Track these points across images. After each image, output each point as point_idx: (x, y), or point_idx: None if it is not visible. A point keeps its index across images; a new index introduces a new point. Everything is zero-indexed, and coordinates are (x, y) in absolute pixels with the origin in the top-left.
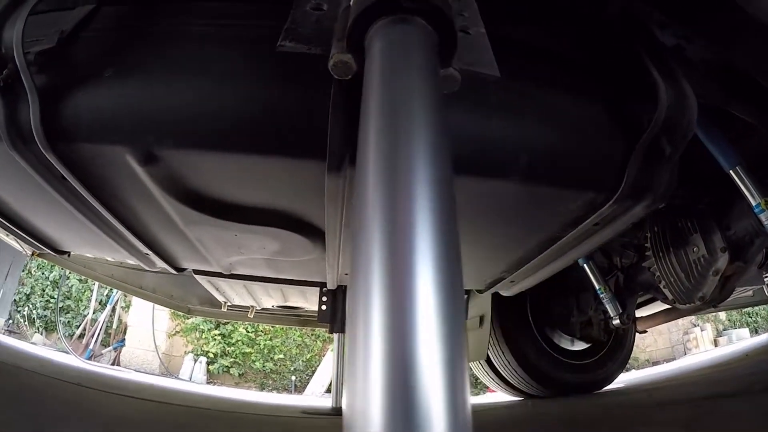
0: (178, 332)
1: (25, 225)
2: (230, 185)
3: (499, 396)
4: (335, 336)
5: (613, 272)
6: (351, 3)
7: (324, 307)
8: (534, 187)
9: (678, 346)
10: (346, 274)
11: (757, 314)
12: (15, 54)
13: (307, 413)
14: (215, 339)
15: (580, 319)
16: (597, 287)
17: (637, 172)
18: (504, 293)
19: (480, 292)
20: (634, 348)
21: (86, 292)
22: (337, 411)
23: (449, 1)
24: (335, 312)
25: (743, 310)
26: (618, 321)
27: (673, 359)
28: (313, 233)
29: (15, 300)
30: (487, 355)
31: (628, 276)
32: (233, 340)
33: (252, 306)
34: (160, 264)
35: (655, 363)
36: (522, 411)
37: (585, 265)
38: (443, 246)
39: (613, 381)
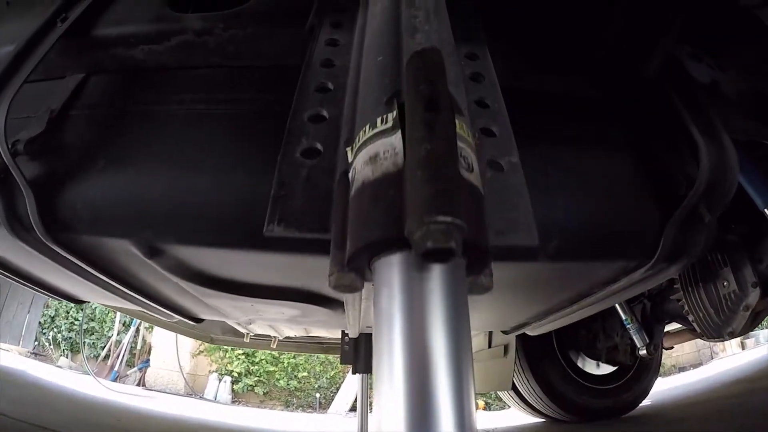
0: (202, 352)
1: (42, 283)
2: (242, 270)
3: (518, 415)
4: (358, 376)
5: (640, 300)
6: (349, 175)
7: (347, 349)
8: (562, 263)
9: (705, 351)
10: (369, 327)
11: None
12: (0, 151)
13: None
14: (239, 358)
15: (606, 345)
16: (624, 318)
17: (673, 241)
18: (529, 333)
19: (505, 333)
20: None
21: (110, 314)
22: None
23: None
24: (358, 354)
25: None
26: (644, 351)
27: (700, 364)
28: (332, 303)
29: (40, 323)
30: (512, 382)
31: (656, 304)
32: (257, 359)
33: (275, 336)
34: (178, 318)
35: (682, 369)
36: None
37: None
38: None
39: (639, 404)
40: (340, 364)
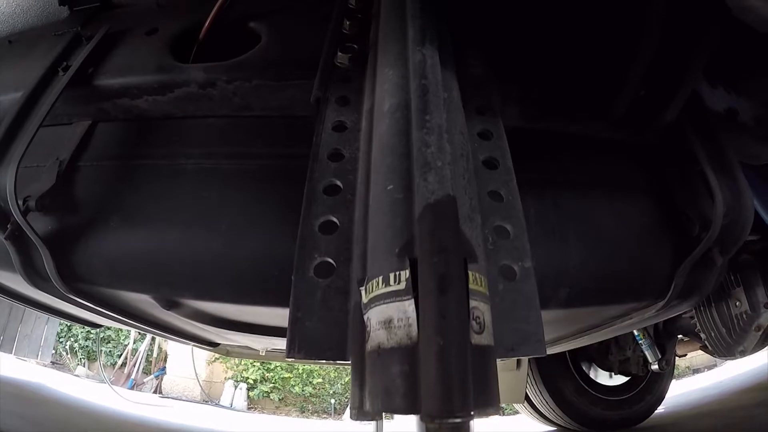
0: (218, 359)
1: (61, 311)
2: (259, 316)
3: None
4: None
5: None
6: (364, 315)
7: None
8: (574, 309)
9: None
10: None
11: None
12: (12, 210)
13: None
14: (254, 365)
15: (618, 357)
16: (636, 334)
17: (685, 282)
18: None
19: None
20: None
21: None
22: None
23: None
24: None
25: None
26: (656, 366)
27: (714, 366)
28: None
29: (57, 332)
30: (526, 393)
31: (668, 321)
32: (272, 366)
33: None
34: (193, 344)
35: (696, 370)
36: None
37: None
38: None
39: (652, 413)
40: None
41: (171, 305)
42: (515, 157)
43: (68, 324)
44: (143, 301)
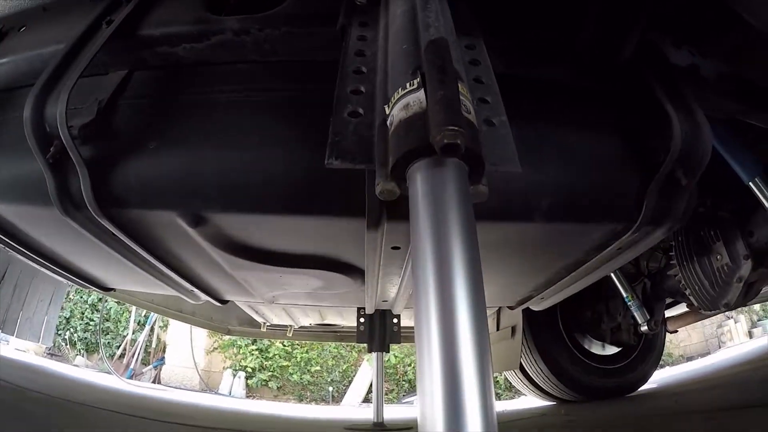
0: (216, 348)
1: (73, 268)
2: (276, 237)
3: (532, 402)
4: (374, 354)
5: (641, 279)
6: (387, 122)
7: (362, 329)
8: (557, 224)
9: (712, 340)
10: (384, 301)
11: None
12: (60, 132)
13: (351, 429)
14: (253, 354)
15: (610, 325)
16: (624, 295)
17: (656, 203)
18: (534, 308)
19: (511, 308)
20: (668, 344)
21: (125, 314)
22: (379, 426)
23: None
24: (373, 333)
25: None
26: (646, 327)
27: (708, 353)
28: (353, 271)
29: (56, 323)
30: (520, 363)
31: (655, 282)
32: (270, 354)
33: (290, 325)
34: (205, 298)
35: (690, 358)
36: (550, 420)
37: (612, 274)
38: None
39: (645, 382)
40: (356, 343)
41: (197, 222)
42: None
43: (66, 316)
44: (168, 226)
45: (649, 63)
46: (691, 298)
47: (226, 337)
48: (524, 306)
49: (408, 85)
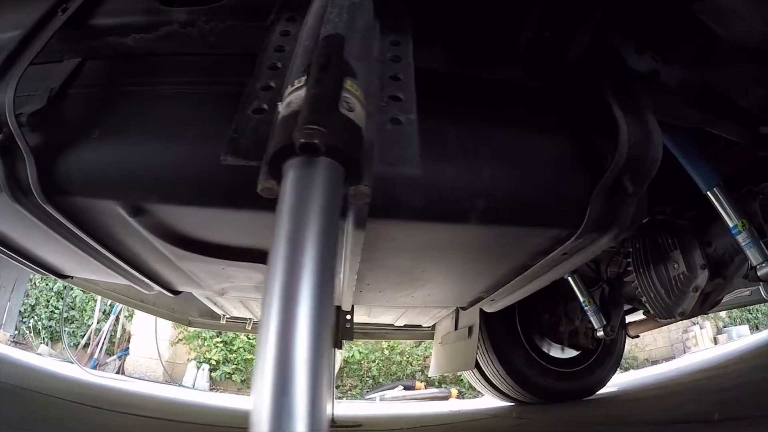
0: (181, 340)
1: (29, 255)
2: (215, 230)
3: (491, 402)
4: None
5: (599, 283)
6: (279, 117)
7: None
8: (496, 227)
9: (677, 345)
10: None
11: (757, 311)
12: (8, 120)
13: None
14: (217, 346)
15: (567, 328)
16: (581, 299)
17: (600, 210)
18: (488, 309)
19: (463, 309)
20: (634, 347)
21: (90, 302)
22: (328, 422)
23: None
24: None
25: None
26: (602, 333)
27: (673, 358)
28: None
29: (20, 311)
30: (478, 363)
31: (614, 288)
32: (235, 347)
33: (250, 318)
34: (157, 288)
35: (655, 362)
36: (499, 423)
37: (569, 278)
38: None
39: (604, 386)
40: None
41: (136, 212)
42: (441, 95)
43: (32, 303)
44: (111, 215)
45: (604, 66)
46: (647, 305)
47: (191, 329)
48: (475, 306)
49: (296, 82)
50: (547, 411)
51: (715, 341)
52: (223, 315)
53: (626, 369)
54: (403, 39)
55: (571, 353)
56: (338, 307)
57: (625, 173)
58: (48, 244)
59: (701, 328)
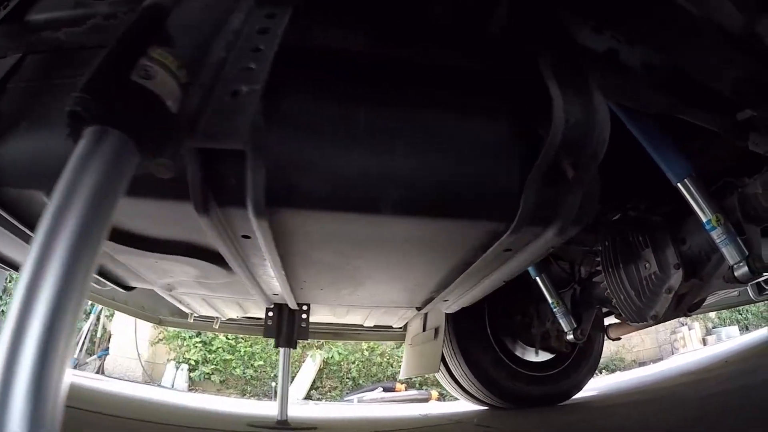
0: (161, 340)
1: None
2: (137, 220)
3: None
4: (281, 350)
5: (571, 284)
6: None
7: (269, 323)
8: (417, 219)
9: (665, 346)
10: (275, 294)
11: (747, 311)
12: None
13: (253, 425)
14: (196, 346)
15: (539, 330)
16: (550, 300)
17: (537, 199)
18: (445, 310)
19: (418, 309)
20: (620, 348)
21: None
22: (282, 424)
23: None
24: (280, 327)
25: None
26: (572, 336)
27: (661, 359)
28: (216, 257)
29: (2, 311)
30: (447, 365)
31: (585, 289)
32: (214, 348)
33: (217, 317)
34: (109, 284)
35: (642, 363)
36: (458, 428)
37: (537, 278)
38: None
39: (579, 390)
40: (263, 337)
41: None
42: (361, 78)
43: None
44: (42, 205)
45: (547, 43)
46: (617, 307)
47: (171, 329)
48: (429, 306)
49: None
50: (513, 417)
51: (704, 342)
52: (191, 314)
53: (612, 371)
54: (280, 12)
55: (545, 356)
56: (291, 305)
57: (563, 156)
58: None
59: (690, 329)
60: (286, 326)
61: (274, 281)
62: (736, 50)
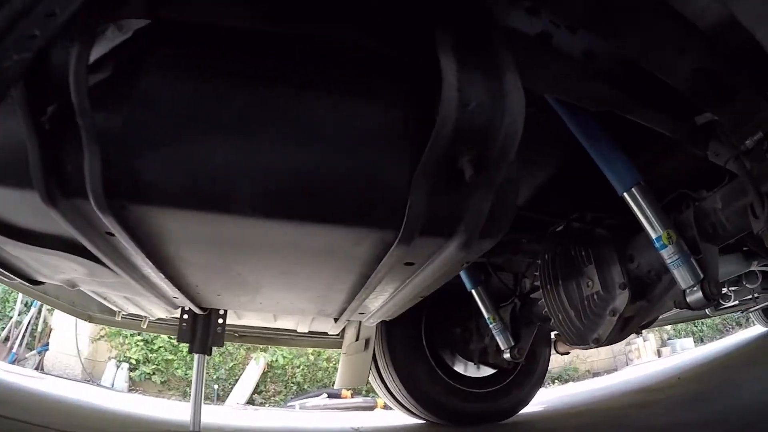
0: (103, 337)
1: None
2: (14, 211)
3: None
4: (195, 356)
5: (512, 299)
6: None
7: (184, 326)
8: (284, 222)
9: (620, 356)
10: (176, 298)
11: (702, 323)
12: None
13: None
14: (138, 345)
15: (478, 345)
16: (486, 316)
17: (428, 204)
18: (365, 323)
19: (336, 320)
20: (575, 359)
21: (13, 294)
22: None
23: None
24: (194, 332)
25: None
26: (509, 355)
27: (615, 370)
28: (86, 252)
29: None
30: (383, 378)
31: (526, 305)
32: (156, 347)
33: (145, 316)
34: (16, 279)
35: (596, 374)
36: None
37: (473, 291)
38: None
39: (523, 407)
40: (177, 342)
41: None
42: (244, 56)
43: None
44: None
45: (454, 17)
46: (556, 327)
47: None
48: (344, 317)
49: None
50: None
51: (659, 354)
52: (119, 311)
53: (566, 381)
54: None
55: (488, 372)
56: (213, 310)
57: (460, 151)
58: None
59: (645, 341)
60: (201, 331)
61: (163, 284)
62: (693, 38)
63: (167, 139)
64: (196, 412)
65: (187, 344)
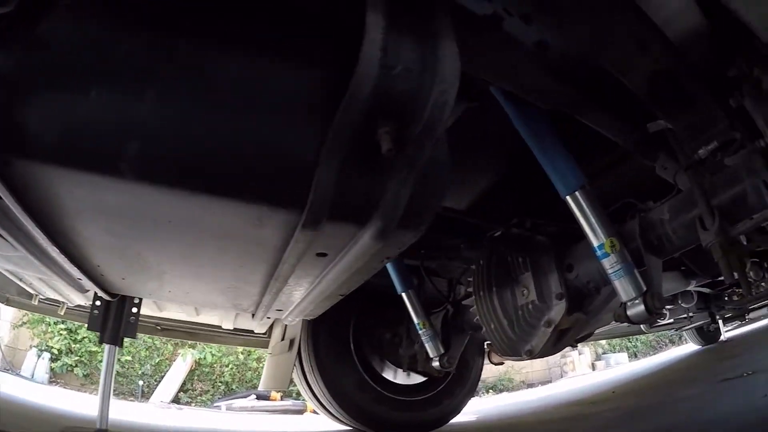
0: (25, 323)
1: None
2: None
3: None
4: (106, 347)
5: (444, 305)
6: None
7: (96, 313)
8: (171, 191)
9: (555, 369)
10: (80, 279)
11: (636, 339)
12: None
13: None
14: (61, 334)
15: (408, 352)
16: (416, 321)
17: (338, 181)
18: (284, 321)
19: (253, 316)
20: (510, 369)
21: None
22: None
23: None
24: (106, 320)
25: None
26: (437, 363)
27: (550, 382)
28: None
29: None
30: (308, 381)
31: (458, 312)
32: (80, 337)
33: (63, 302)
34: None
35: (531, 385)
36: None
37: (403, 294)
38: None
39: (454, 417)
40: (87, 330)
41: None
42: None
43: None
44: None
45: None
46: (487, 336)
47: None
48: (260, 314)
49: None
50: None
51: (593, 367)
52: (35, 295)
53: (500, 391)
54: None
55: (418, 379)
56: (127, 298)
57: (378, 120)
58: None
59: (580, 354)
60: (113, 320)
61: (63, 262)
62: (655, 36)
63: (59, 87)
64: (104, 407)
65: (98, 333)
